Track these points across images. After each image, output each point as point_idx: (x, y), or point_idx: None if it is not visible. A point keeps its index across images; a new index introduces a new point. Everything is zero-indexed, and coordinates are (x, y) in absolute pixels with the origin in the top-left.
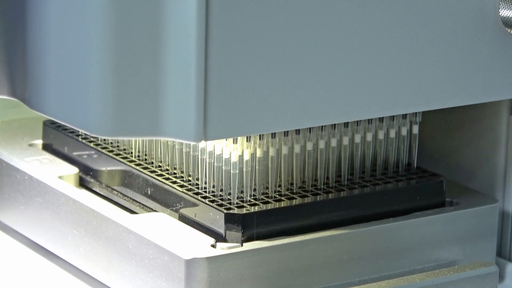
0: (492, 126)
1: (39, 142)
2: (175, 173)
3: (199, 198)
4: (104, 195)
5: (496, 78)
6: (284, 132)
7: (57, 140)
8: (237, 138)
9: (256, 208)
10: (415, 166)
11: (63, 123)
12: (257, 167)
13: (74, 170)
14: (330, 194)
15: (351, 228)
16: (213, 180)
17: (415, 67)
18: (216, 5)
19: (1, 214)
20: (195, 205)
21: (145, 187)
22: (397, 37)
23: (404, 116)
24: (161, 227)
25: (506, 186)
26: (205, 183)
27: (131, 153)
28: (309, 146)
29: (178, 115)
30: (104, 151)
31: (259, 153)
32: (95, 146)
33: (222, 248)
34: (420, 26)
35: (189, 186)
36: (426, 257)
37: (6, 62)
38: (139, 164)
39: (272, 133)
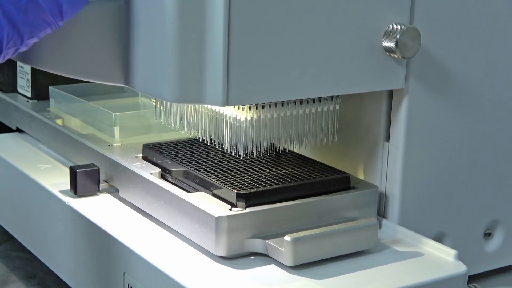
0: (373, 151)
1: (141, 155)
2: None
3: (223, 185)
4: (174, 182)
5: (380, 79)
6: (269, 105)
7: (150, 154)
8: (244, 107)
9: (253, 190)
10: (336, 134)
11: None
12: (254, 124)
13: (158, 170)
14: (289, 183)
15: (300, 201)
16: (229, 133)
17: (335, 70)
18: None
19: (122, 192)
20: (221, 188)
21: (195, 178)
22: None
23: (332, 98)
24: (203, 200)
25: (381, 179)
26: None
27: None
28: (282, 114)
29: (212, 89)
30: (174, 160)
31: (255, 116)
32: (169, 157)
33: (235, 211)
34: (334, 48)
35: (217, 178)
36: (339, 216)
37: (122, 60)
38: (192, 167)
39: (263, 105)
